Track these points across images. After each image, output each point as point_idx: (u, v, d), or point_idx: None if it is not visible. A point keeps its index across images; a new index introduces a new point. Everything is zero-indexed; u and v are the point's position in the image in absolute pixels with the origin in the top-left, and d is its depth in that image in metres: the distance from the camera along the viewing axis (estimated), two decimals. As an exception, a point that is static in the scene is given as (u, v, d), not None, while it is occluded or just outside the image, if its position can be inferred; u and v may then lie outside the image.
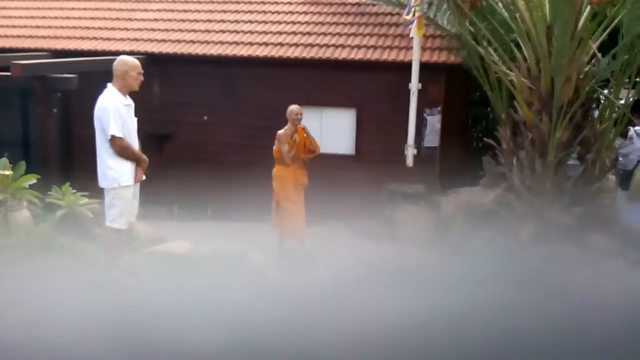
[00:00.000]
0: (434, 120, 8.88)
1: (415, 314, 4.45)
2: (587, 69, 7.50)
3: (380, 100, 9.08)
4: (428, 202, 8.46)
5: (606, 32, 7.33)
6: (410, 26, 8.83)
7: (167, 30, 10.28)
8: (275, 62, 9.40)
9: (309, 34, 9.84)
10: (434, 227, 7.80)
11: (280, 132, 7.28)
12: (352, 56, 9.21)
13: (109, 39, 10.25)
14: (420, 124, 8.80)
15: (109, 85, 4.77)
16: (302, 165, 7.38)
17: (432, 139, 8.95)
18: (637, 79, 8.15)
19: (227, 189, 9.51)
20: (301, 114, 7.26)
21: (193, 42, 9.91)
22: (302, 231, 7.25)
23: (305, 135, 7.33)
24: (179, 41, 9.96)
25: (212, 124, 9.72)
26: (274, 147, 7.25)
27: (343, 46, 9.47)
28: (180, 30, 10.23)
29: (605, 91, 8.10)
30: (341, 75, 9.28)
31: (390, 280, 5.19)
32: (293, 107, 7.29)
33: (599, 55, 7.37)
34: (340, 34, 9.78)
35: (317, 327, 3.92)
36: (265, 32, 9.97)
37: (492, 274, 6.43)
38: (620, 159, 8.58)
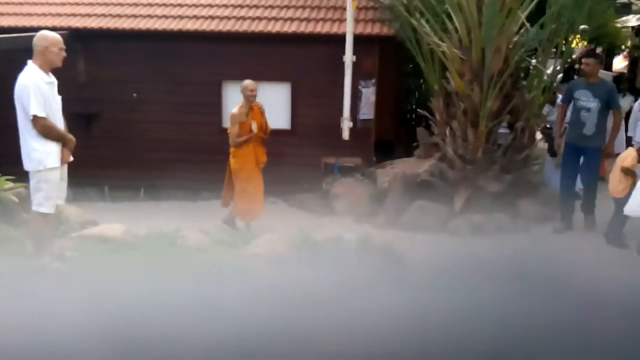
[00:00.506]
0: (369, 93, 8.90)
1: (350, 287, 4.48)
2: (516, 39, 7.66)
3: (315, 73, 9.01)
4: (364, 175, 8.54)
5: (534, 2, 7.47)
6: (344, -2, 8.80)
7: (91, 4, 9.85)
8: (206, 36, 9.17)
9: (241, 6, 9.63)
10: (370, 199, 7.89)
11: (233, 111, 6.96)
12: (285, 29, 9.08)
13: (29, 14, 9.74)
14: (355, 96, 8.80)
15: (29, 62, 4.52)
16: (261, 143, 7.14)
17: (367, 111, 8.97)
18: (563, 48, 8.38)
19: (160, 167, 9.31)
20: (256, 90, 6.95)
21: (120, 16, 9.53)
22: (256, 212, 7.10)
23: (261, 113, 7.06)
24: (104, 15, 9.56)
25: (142, 101, 9.42)
26: (228, 127, 7.02)
27: (276, 19, 9.33)
28: (106, 4, 9.81)
29: (534, 61, 8.30)
30: (274, 48, 9.15)
31: (328, 254, 5.20)
32: (247, 83, 6.96)
33: (528, 25, 7.53)
34: (272, 7, 9.62)
35: (252, 306, 3.88)
36: (195, 5, 9.69)
37: (425, 242, 6.58)
38: (549, 126, 8.83)
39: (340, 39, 8.49)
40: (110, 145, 9.47)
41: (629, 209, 5.99)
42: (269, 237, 5.76)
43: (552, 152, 8.26)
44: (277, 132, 8.79)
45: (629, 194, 6.13)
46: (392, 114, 10.03)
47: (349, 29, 8.31)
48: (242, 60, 9.15)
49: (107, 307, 3.71)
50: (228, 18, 9.37)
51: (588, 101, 6.56)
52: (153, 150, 9.42)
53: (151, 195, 9.37)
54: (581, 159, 6.75)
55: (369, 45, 8.84)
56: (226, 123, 9.28)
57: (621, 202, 6.33)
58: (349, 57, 8.39)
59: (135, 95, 9.42)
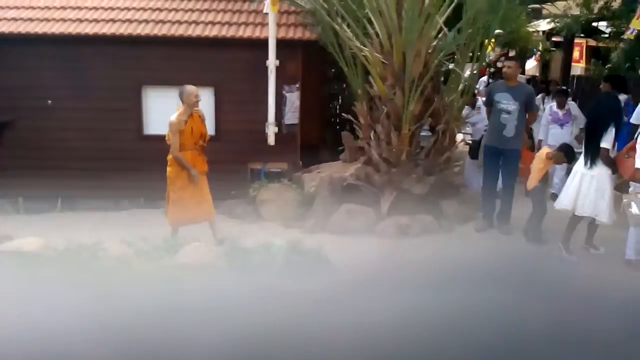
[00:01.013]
0: (293, 97, 8.89)
1: (282, 293, 4.44)
2: (435, 43, 7.84)
3: (239, 78, 8.91)
4: (291, 180, 8.52)
5: (451, 7, 7.68)
6: (265, 2, 8.75)
7: (1, 7, 9.35)
8: (124, 40, 8.89)
9: (160, 10, 9.39)
10: (298, 204, 7.87)
11: (172, 118, 6.49)
12: (206, 33, 8.93)
13: None
14: (280, 101, 8.76)
15: None
16: (202, 152, 6.78)
17: (292, 116, 8.95)
18: (479, 53, 8.65)
19: (78, 176, 8.95)
20: (200, 96, 6.61)
21: (31, 20, 9.09)
22: (191, 220, 6.74)
23: (201, 121, 6.72)
24: (15, 19, 9.09)
25: (57, 108, 9.01)
26: (166, 134, 6.62)
27: (196, 23, 9.15)
28: (17, 8, 9.34)
29: (452, 65, 8.53)
30: (196, 53, 8.97)
31: (254, 261, 5.14)
32: (191, 89, 6.49)
33: (445, 30, 7.72)
34: (193, 10, 9.43)
35: (181, 317, 3.78)
36: (112, 8, 9.38)
37: (353, 245, 6.63)
38: (468, 128, 9.12)
39: (263, 43, 8.44)
40: (23, 154, 9.01)
41: (560, 203, 6.29)
42: (196, 245, 5.62)
43: (472, 154, 8.52)
44: (201, 139, 8.67)
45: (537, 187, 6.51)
46: (317, 118, 10.06)
47: (272, 33, 8.27)
48: (162, 65, 8.92)
49: (22, 324, 3.52)
50: (147, 22, 9.11)
51: (508, 104, 6.80)
52: (70, 158, 9.03)
53: (69, 206, 8.99)
54: (501, 161, 7.00)
55: (292, 49, 8.83)
56: (147, 129, 9.09)
57: (538, 200, 6.63)
58: (272, 62, 8.35)
59: (49, 102, 9.01)
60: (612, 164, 6.04)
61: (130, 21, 9.10)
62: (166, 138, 6.64)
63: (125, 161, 8.90)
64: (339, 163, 8.46)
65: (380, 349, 3.58)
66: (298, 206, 7.81)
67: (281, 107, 8.81)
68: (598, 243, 6.38)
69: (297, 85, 8.88)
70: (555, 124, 8.54)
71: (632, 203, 5.71)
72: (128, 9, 9.38)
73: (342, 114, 9.00)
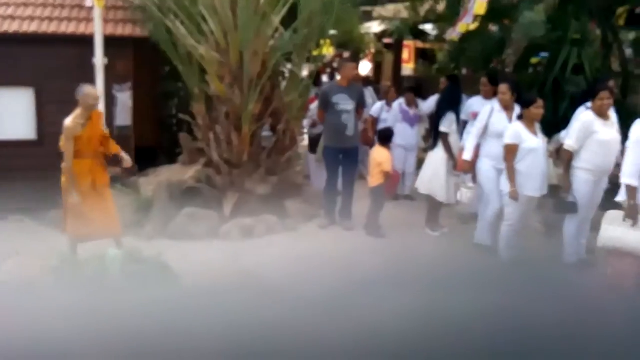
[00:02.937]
0: (125, 98, 8.35)
1: (119, 305, 4.13)
2: (272, 42, 7.79)
3: (63, 77, 8.16)
4: (125, 184, 8.00)
5: (286, 7, 7.66)
6: (90, -4, 8.17)
7: None
8: None
9: (-32, 2, 8.42)
10: (134, 210, 7.41)
11: (67, 122, 5.72)
12: (24, 29, 8.12)
13: None
14: (110, 102, 8.20)
15: None
16: (102, 160, 6.02)
17: (124, 117, 8.41)
18: (316, 53, 8.75)
19: None
20: (99, 98, 5.93)
21: None
22: (90, 235, 5.95)
23: (101, 125, 5.97)
24: None
25: None
26: (60, 140, 5.79)
27: (13, 18, 8.29)
28: None
29: (289, 65, 8.53)
30: (12, 50, 8.10)
31: (87, 274, 4.74)
32: (90, 90, 5.85)
33: (282, 29, 7.70)
34: (8, 4, 8.54)
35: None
36: None
37: (196, 250, 6.38)
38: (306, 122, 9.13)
39: (89, 40, 7.84)
40: None
41: (419, 183, 7.02)
42: (18, 260, 5.09)
43: (311, 149, 8.56)
44: (20, 144, 7.86)
45: (382, 184, 6.86)
46: (152, 119, 9.57)
47: (98, 29, 7.71)
48: (-27, 62, 7.98)
49: None
50: (-48, 15, 8.12)
51: (346, 104, 6.95)
52: None
53: None
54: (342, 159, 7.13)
55: (121, 47, 8.30)
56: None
57: (377, 193, 6.88)
58: (99, 60, 7.78)
59: None
60: (449, 148, 6.72)
61: None
62: (60, 144, 5.82)
63: None
64: (178, 166, 8.10)
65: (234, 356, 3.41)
66: (134, 212, 7.33)
67: (111, 108, 8.24)
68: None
69: (129, 85, 8.36)
70: (406, 123, 8.36)
71: (461, 191, 6.15)
72: None
73: (180, 114, 8.62)
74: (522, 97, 6.08)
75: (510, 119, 6.16)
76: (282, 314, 3.85)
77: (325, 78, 13.24)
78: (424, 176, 6.96)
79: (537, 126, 5.92)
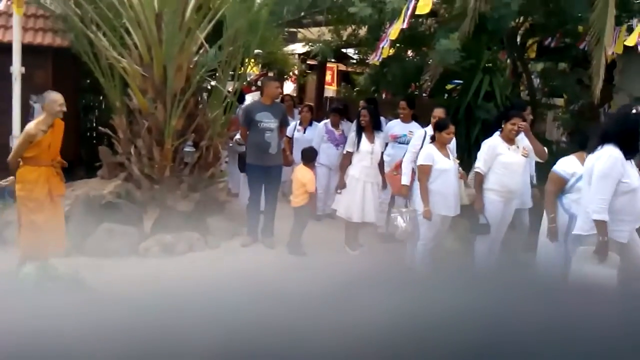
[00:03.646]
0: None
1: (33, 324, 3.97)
2: (196, 58, 7.80)
3: (-23, 85, 7.88)
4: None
5: (211, 24, 7.70)
6: (7, 2, 7.91)
7: None
8: None
9: None
10: (49, 224, 7.17)
11: (30, 126, 5.62)
12: None
13: None
14: (27, 112, 7.93)
15: None
16: (58, 171, 5.85)
17: (41, 129, 8.15)
18: (240, 71, 8.79)
19: None
20: (64, 106, 5.74)
21: None
22: (47, 249, 5.69)
23: (60, 133, 5.74)
24: None
25: None
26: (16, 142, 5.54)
27: None
28: None
29: (214, 82, 8.54)
30: None
31: (2, 292, 4.55)
32: (55, 96, 5.72)
33: (207, 46, 7.72)
34: None
35: None
36: None
37: (114, 267, 6.25)
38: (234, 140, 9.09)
39: (7, 47, 7.59)
40: None
41: (336, 204, 7.27)
42: None
43: (242, 167, 8.42)
44: None
45: (306, 204, 6.89)
46: (71, 131, 9.22)
47: (16, 37, 7.47)
48: None
49: None
50: None
51: (270, 122, 7.04)
52: None
53: None
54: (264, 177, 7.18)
55: (40, 56, 8.09)
56: None
57: (300, 213, 6.96)
58: (17, 69, 7.52)
59: None
60: (343, 166, 7.07)
61: None
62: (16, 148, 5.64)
63: None
64: (96, 180, 7.91)
65: None
66: (49, 227, 7.10)
67: (27, 118, 7.96)
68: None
69: (47, 96, 8.12)
70: (331, 143, 8.40)
71: (398, 217, 6.29)
72: None
73: (99, 127, 8.44)
74: (437, 123, 6.34)
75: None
76: (200, 332, 3.86)
77: (249, 98, 13.28)
78: (340, 198, 7.13)
79: (450, 148, 6.25)
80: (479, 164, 6.06)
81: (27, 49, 7.67)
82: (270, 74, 13.38)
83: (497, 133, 6.19)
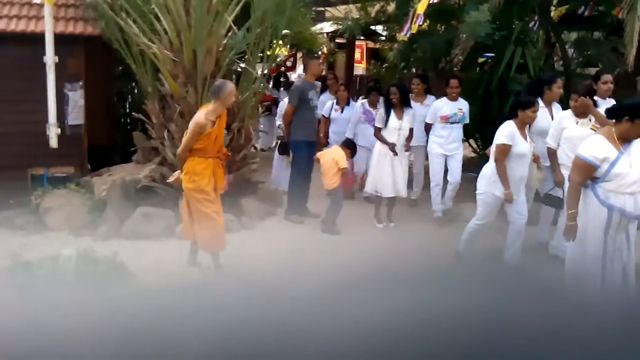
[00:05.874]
0: (77, 96, 8.25)
1: (73, 307, 4.10)
2: (225, 41, 7.83)
3: (13, 76, 8.01)
4: (79, 184, 7.93)
5: (239, 6, 7.71)
6: (38, -7, 8.04)
7: None
8: None
9: None
10: (88, 209, 7.35)
11: (199, 116, 5.40)
12: (-29, 26, 7.95)
13: None
14: (62, 100, 8.09)
15: None
16: (223, 163, 5.72)
17: (76, 116, 8.30)
18: (269, 52, 8.80)
19: None
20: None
21: None
22: (222, 240, 5.68)
23: (224, 124, 5.63)
24: None
25: None
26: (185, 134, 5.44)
27: (-41, 15, 8.11)
28: None
29: (243, 64, 8.58)
30: (-42, 48, 7.94)
31: (40, 276, 4.70)
32: (231, 87, 5.48)
33: (235, 28, 7.74)
34: (-46, 1, 8.35)
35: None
36: None
37: (152, 250, 6.38)
38: (262, 125, 9.22)
39: (39, 38, 7.72)
40: None
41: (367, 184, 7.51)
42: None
43: (282, 150, 8.45)
44: (-31, 144, 7.72)
45: (339, 186, 7.05)
46: (105, 118, 9.48)
47: (48, 27, 7.59)
48: None
49: None
50: None
51: (315, 99, 7.64)
52: None
53: None
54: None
55: (72, 45, 8.20)
56: None
57: (335, 194, 7.04)
58: (50, 58, 7.66)
59: None
60: (384, 140, 7.12)
61: None
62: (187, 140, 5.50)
63: None
64: (132, 165, 8.07)
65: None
66: (88, 212, 7.28)
67: (63, 106, 8.14)
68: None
69: (80, 83, 8.27)
70: (368, 124, 8.11)
71: None
72: None
73: (133, 113, 8.57)
74: (521, 101, 5.78)
75: (551, 116, 6.29)
76: (244, 314, 3.93)
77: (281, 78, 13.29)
78: (369, 177, 7.38)
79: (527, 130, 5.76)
80: (549, 139, 5.97)
81: (59, 38, 7.79)
82: (300, 55, 13.36)
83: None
